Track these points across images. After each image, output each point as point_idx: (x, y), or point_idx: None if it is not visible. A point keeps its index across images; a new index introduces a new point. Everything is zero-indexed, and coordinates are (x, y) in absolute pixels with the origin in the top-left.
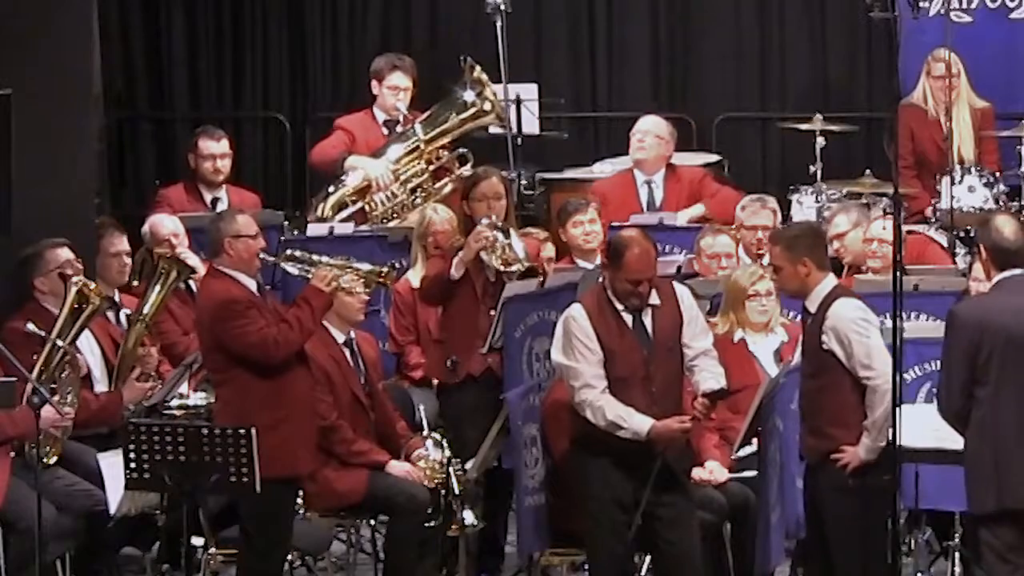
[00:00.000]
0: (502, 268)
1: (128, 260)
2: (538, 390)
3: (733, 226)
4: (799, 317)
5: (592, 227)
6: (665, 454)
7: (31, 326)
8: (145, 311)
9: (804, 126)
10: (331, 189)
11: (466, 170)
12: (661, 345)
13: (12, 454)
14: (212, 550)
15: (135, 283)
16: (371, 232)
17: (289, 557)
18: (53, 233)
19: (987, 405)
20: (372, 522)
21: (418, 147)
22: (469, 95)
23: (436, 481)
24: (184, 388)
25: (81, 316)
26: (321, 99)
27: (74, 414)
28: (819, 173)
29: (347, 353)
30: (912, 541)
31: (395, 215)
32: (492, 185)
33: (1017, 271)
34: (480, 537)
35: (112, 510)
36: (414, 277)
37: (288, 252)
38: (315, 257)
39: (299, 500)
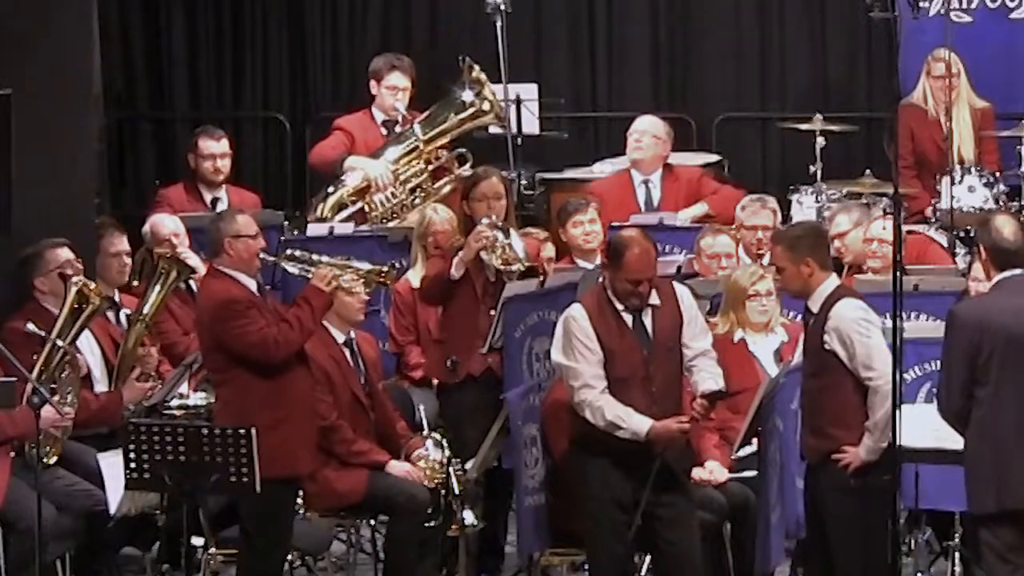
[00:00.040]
0: (502, 268)
1: (128, 260)
2: (538, 390)
3: (733, 226)
4: (799, 317)
5: (592, 227)
6: (665, 454)
7: (31, 326)
8: (145, 311)
9: (804, 126)
10: (331, 190)
11: (465, 170)
12: (661, 345)
13: (12, 454)
14: (212, 550)
15: (135, 283)
16: (371, 232)
17: (289, 557)
18: (53, 233)
19: (987, 405)
20: (372, 522)
21: (417, 147)
22: (468, 95)
23: (436, 481)
24: (184, 388)
25: (81, 316)
26: (321, 99)
27: (74, 414)
28: (819, 173)
29: (347, 353)
30: (912, 541)
31: (395, 215)
32: (492, 185)
33: (1017, 271)
34: (480, 537)
35: (112, 510)
36: (414, 277)
37: (288, 252)
38: (315, 257)
39: (299, 500)
